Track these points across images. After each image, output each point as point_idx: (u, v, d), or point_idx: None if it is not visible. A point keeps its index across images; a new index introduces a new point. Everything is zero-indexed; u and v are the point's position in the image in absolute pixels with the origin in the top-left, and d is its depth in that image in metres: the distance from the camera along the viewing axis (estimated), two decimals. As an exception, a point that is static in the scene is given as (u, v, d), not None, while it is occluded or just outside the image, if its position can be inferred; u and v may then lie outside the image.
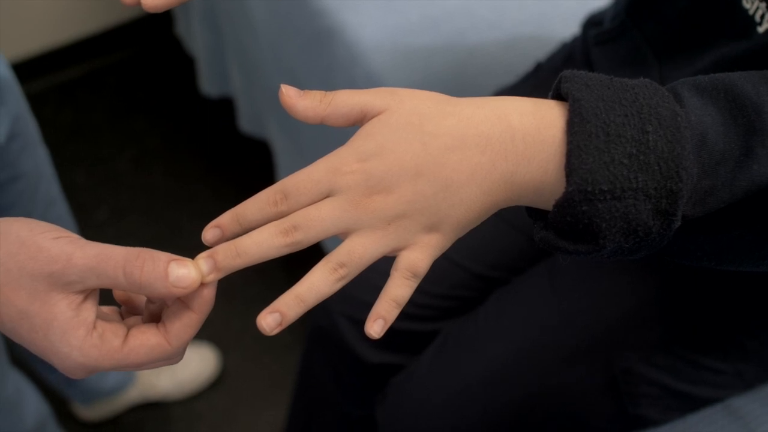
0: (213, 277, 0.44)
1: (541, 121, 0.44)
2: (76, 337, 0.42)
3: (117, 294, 0.49)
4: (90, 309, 0.43)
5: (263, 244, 0.44)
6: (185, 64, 1.78)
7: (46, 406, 1.10)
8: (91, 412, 1.35)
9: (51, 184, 1.03)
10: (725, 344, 0.72)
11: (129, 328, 0.45)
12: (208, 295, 0.45)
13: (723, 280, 0.70)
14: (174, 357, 0.45)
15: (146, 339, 0.44)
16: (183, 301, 0.45)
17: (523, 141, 0.44)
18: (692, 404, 0.75)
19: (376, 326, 0.46)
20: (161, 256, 0.43)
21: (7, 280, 0.42)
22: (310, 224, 0.44)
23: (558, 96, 0.46)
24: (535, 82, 0.86)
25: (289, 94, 0.46)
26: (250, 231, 0.45)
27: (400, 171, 0.44)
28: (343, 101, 0.46)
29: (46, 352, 0.43)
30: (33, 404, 1.06)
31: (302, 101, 0.46)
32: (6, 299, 0.42)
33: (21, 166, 0.94)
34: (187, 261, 0.43)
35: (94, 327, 0.43)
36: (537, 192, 0.45)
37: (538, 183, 0.45)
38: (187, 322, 0.45)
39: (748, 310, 0.71)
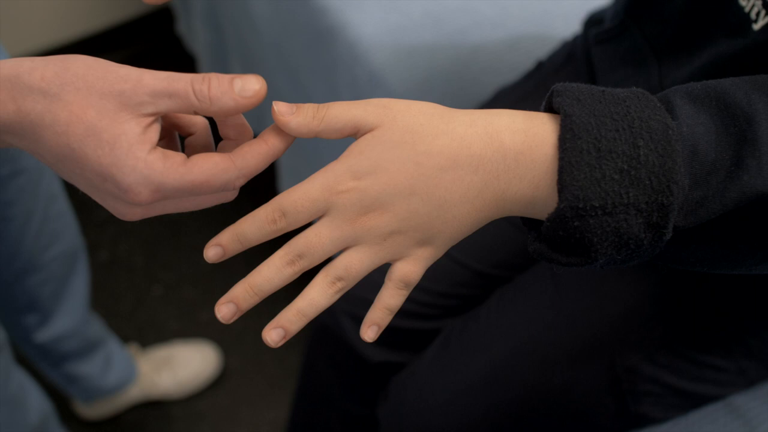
0: (234, 319, 0.48)
1: (533, 139, 0.45)
2: (143, 150, 0.43)
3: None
4: (155, 130, 0.44)
5: (274, 279, 0.47)
6: (186, 63, 1.78)
7: (49, 404, 1.11)
8: (92, 410, 1.35)
9: (53, 179, 1.03)
10: (728, 342, 0.72)
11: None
12: (285, 140, 0.47)
13: (725, 278, 0.70)
14: (236, 180, 0.46)
15: (210, 157, 0.45)
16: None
17: (515, 160, 0.45)
18: (695, 402, 0.75)
19: (370, 332, 0.49)
20: (224, 75, 0.44)
21: (76, 98, 0.43)
22: (312, 250, 0.47)
23: (550, 107, 0.47)
24: (537, 81, 0.86)
25: (281, 111, 0.47)
26: (250, 247, 0.48)
27: (394, 190, 0.45)
28: (336, 117, 0.47)
29: (110, 168, 0.43)
30: (36, 401, 1.06)
31: (295, 119, 0.47)
32: (75, 117, 0.43)
33: (23, 161, 0.95)
34: (251, 75, 0.45)
35: (156, 147, 0.44)
36: (528, 206, 0.46)
37: (529, 198, 0.46)
38: (256, 149, 0.46)
39: (751, 308, 0.71)
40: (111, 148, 0.43)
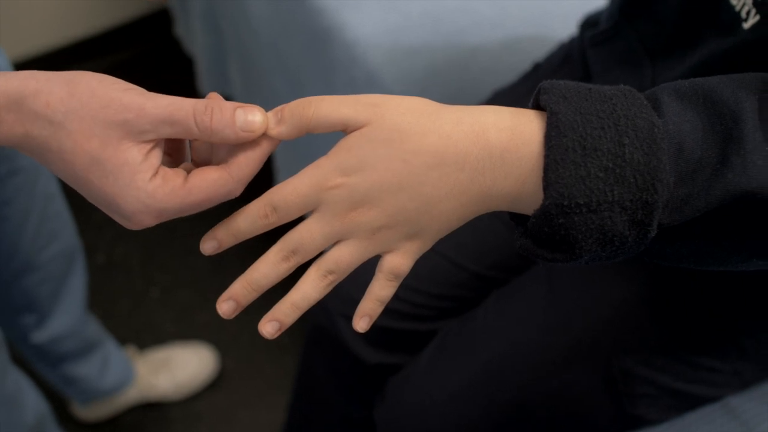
0: (235, 314, 0.49)
1: (519, 137, 0.46)
2: (144, 179, 0.45)
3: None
4: (157, 155, 0.46)
5: (270, 274, 0.49)
6: (185, 64, 1.78)
7: (46, 404, 1.10)
8: (89, 412, 1.35)
9: (50, 179, 1.03)
10: (723, 343, 0.72)
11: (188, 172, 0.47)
12: (275, 140, 0.48)
13: (720, 279, 0.70)
14: (235, 190, 0.47)
15: (207, 174, 0.46)
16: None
17: (501, 158, 0.46)
18: (690, 403, 0.75)
19: (362, 322, 0.51)
20: (227, 105, 0.46)
21: (80, 128, 0.44)
22: (305, 245, 0.48)
23: (538, 105, 0.47)
24: (533, 83, 0.86)
25: (270, 127, 0.47)
26: (244, 240, 0.49)
27: (382, 187, 0.46)
28: (326, 117, 0.47)
29: (115, 197, 0.45)
30: (33, 401, 1.06)
31: (283, 129, 0.48)
32: (80, 147, 0.44)
33: (20, 160, 0.95)
34: (253, 107, 0.46)
35: (157, 171, 0.45)
36: (514, 202, 0.47)
37: (515, 195, 0.46)
38: (250, 155, 0.47)
39: (746, 309, 0.71)
40: (115, 178, 0.44)
